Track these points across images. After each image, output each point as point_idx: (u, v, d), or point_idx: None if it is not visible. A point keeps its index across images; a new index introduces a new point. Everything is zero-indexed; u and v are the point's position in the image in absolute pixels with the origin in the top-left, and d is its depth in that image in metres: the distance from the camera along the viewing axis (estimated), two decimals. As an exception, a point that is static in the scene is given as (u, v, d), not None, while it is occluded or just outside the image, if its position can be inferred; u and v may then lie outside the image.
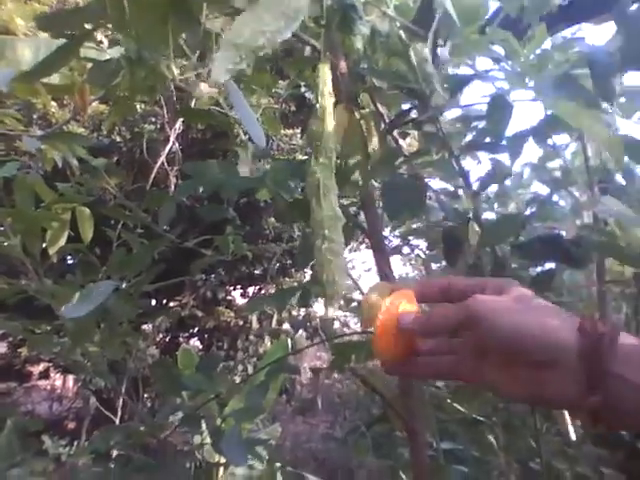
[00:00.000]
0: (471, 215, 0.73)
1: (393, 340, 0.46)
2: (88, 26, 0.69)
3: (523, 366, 0.42)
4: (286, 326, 4.77)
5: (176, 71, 0.67)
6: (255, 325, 4.47)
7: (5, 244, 1.11)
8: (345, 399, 5.10)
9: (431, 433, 0.87)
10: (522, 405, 0.89)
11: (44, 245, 1.18)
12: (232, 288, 4.70)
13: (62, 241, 1.14)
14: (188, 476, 0.90)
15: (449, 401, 1.00)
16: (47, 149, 1.10)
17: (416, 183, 0.67)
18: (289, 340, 1.86)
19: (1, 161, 1.11)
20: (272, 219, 3.94)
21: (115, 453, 1.16)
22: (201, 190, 0.88)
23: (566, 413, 0.84)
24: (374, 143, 0.68)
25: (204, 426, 1.07)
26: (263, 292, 4.72)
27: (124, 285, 1.11)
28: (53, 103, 3.03)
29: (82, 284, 1.17)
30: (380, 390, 0.81)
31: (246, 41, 0.38)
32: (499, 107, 0.69)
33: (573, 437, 0.83)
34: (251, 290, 4.89)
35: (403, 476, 1.01)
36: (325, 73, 0.59)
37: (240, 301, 4.79)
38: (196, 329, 4.55)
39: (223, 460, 2.02)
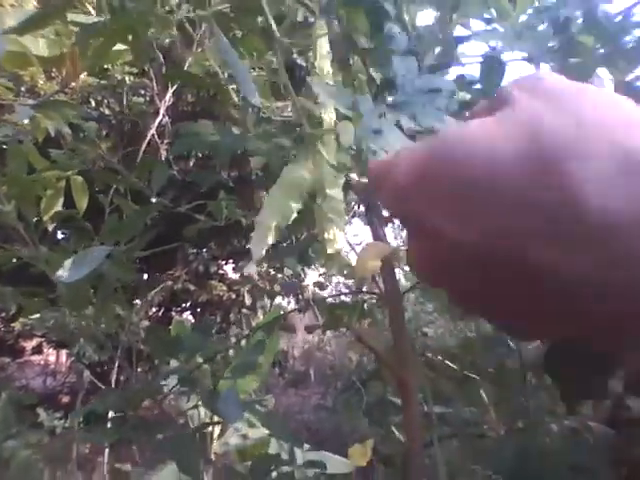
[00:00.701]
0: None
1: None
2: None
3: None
4: (278, 300, 4.80)
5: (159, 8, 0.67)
6: (248, 299, 4.49)
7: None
8: (337, 371, 5.16)
9: (423, 391, 0.89)
10: (512, 362, 0.91)
11: (39, 215, 1.18)
12: (224, 262, 4.71)
13: (56, 208, 1.15)
14: (185, 437, 0.92)
15: (440, 358, 1.02)
16: (40, 117, 1.10)
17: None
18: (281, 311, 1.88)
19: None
20: (264, 193, 3.94)
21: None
22: (194, 159, 0.89)
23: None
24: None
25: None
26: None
27: (117, 251, 1.12)
28: (41, 76, 2.99)
29: (76, 251, 1.18)
30: (373, 347, 0.83)
31: (270, 221, 0.44)
32: (492, 66, 0.70)
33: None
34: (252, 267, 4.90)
35: (396, 432, 1.03)
36: (321, 33, 0.60)
37: (232, 275, 4.81)
38: (188, 303, 4.57)
39: (217, 432, 2.06)
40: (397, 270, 0.96)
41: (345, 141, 0.44)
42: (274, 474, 0.85)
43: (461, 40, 0.77)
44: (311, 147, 0.51)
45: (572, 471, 0.65)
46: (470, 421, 1.01)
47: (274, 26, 0.51)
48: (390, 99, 0.54)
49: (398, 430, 1.04)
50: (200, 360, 0.94)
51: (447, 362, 1.02)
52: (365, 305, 0.91)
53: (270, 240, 0.44)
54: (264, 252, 0.43)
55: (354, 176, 0.52)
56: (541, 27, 0.75)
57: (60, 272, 0.84)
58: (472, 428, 0.90)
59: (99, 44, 0.77)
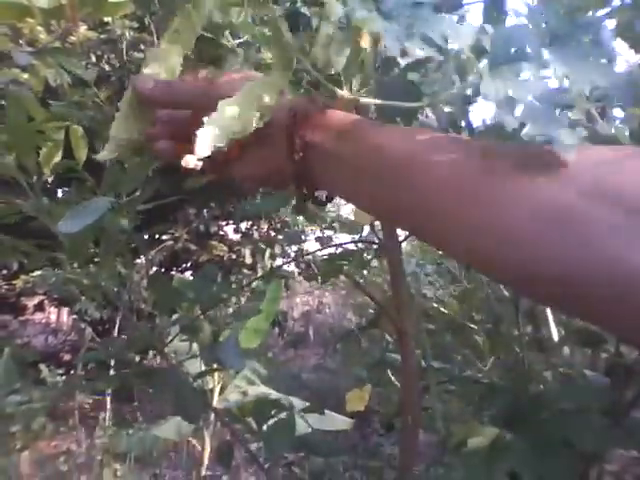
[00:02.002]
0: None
1: None
2: None
3: (252, 146, 0.47)
4: (278, 262, 4.82)
5: None
6: (248, 259, 4.51)
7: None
8: (335, 332, 5.23)
9: (420, 342, 0.91)
10: (507, 310, 0.92)
11: (39, 168, 1.17)
12: (225, 223, 4.72)
13: (56, 159, 1.14)
14: (187, 385, 0.94)
15: (435, 305, 1.04)
16: (39, 65, 1.09)
17: (413, 89, 0.67)
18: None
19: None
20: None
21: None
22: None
23: (549, 316, 0.88)
24: (367, 44, 0.67)
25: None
26: (255, 227, 4.75)
27: (118, 202, 1.12)
28: (40, 28, 2.95)
29: (77, 203, 1.18)
30: (372, 295, 0.84)
31: (227, 123, 0.43)
32: (494, 12, 0.68)
33: (555, 339, 0.87)
34: (243, 225, 4.91)
35: (392, 378, 1.05)
36: None
37: (233, 236, 4.82)
38: (189, 263, 4.59)
39: (217, 390, 2.09)
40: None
41: (332, 14, 0.44)
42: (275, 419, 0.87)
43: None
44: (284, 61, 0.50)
45: (565, 416, 0.67)
46: (465, 368, 1.03)
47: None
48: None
49: (396, 379, 1.06)
50: (202, 309, 0.95)
51: (443, 310, 1.03)
52: (364, 255, 0.91)
53: (218, 142, 0.43)
54: (208, 151, 0.43)
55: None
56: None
57: (61, 224, 0.85)
58: (468, 376, 0.92)
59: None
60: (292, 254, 4.92)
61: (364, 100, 0.46)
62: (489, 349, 0.93)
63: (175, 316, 1.08)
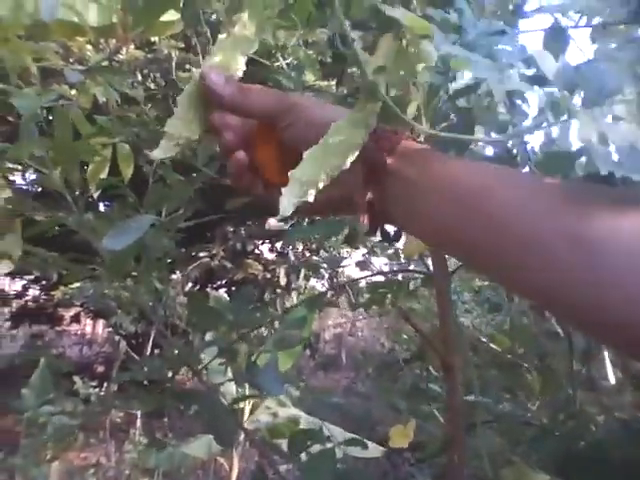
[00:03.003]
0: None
1: None
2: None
3: None
4: (312, 282, 4.80)
5: None
6: (283, 279, 4.51)
7: (43, 175, 1.12)
8: (368, 356, 5.16)
9: (467, 377, 0.87)
10: (559, 348, 0.88)
11: (84, 182, 1.19)
12: (261, 242, 4.74)
13: (103, 175, 1.15)
14: (221, 408, 0.92)
15: (484, 340, 1.00)
16: (89, 83, 1.10)
17: (466, 115, 0.65)
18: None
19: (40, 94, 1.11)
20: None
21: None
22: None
23: (606, 357, 0.83)
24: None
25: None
26: (291, 247, 4.75)
27: (161, 220, 1.12)
28: (89, 47, 3.03)
29: (119, 219, 1.18)
30: (419, 327, 0.81)
31: (310, 178, 0.42)
32: (556, 36, 0.66)
33: (612, 380, 0.82)
34: (279, 245, 4.92)
35: (437, 414, 1.01)
36: None
37: (268, 255, 4.83)
38: (224, 281, 4.61)
39: (248, 409, 2.08)
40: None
41: (428, 58, 0.43)
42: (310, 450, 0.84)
43: (524, 14, 0.73)
44: (371, 97, 0.48)
45: (622, 464, 0.62)
46: (513, 409, 0.98)
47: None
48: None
49: (439, 415, 1.02)
50: (240, 332, 0.94)
51: (492, 345, 0.99)
52: (410, 284, 0.89)
53: (301, 198, 0.42)
54: (291, 210, 0.42)
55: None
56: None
57: (105, 240, 0.84)
58: (516, 416, 0.87)
59: (148, 6, 0.76)
60: (326, 274, 4.90)
61: (438, 133, 0.44)
62: (539, 387, 0.89)
63: (210, 335, 1.07)
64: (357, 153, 0.45)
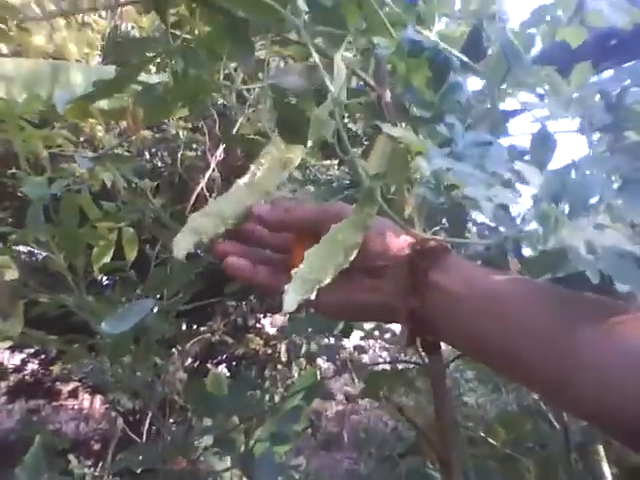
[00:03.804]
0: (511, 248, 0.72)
1: None
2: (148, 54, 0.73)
3: (360, 273, 0.46)
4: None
5: (221, 79, 0.70)
6: (284, 355, 4.46)
7: (48, 258, 1.14)
8: (370, 434, 5.02)
9: (465, 468, 0.85)
10: (557, 443, 0.87)
11: (88, 263, 1.21)
12: (262, 316, 4.71)
13: (107, 259, 1.17)
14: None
15: (482, 435, 0.98)
16: (98, 170, 1.14)
17: (458, 212, 0.67)
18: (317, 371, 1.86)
19: (49, 179, 1.15)
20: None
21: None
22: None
23: (601, 451, 0.82)
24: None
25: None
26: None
27: (161, 303, 1.13)
28: (99, 127, 3.14)
29: (120, 301, 1.20)
30: (414, 421, 0.80)
31: (315, 276, 0.44)
32: (543, 141, 0.69)
33: (608, 476, 0.80)
34: (280, 319, 4.89)
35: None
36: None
37: (269, 330, 4.79)
38: (224, 356, 4.56)
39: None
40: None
41: (424, 175, 0.45)
42: None
43: (512, 114, 0.77)
44: (368, 202, 0.50)
45: None
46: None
47: (330, 86, 0.52)
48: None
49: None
50: (236, 420, 0.93)
51: (489, 439, 0.97)
52: (407, 374, 0.88)
53: (305, 295, 0.43)
54: (295, 307, 0.43)
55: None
56: (594, 99, 0.74)
57: (105, 324, 0.85)
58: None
59: (159, 105, 0.80)
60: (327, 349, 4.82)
61: (431, 237, 0.46)
62: (536, 478, 0.87)
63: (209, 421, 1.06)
64: (355, 253, 0.47)
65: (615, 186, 0.43)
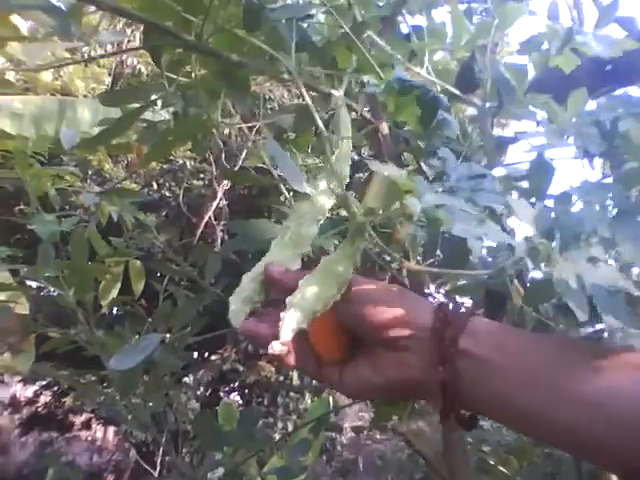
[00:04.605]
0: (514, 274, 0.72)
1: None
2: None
3: (381, 348, 0.43)
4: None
5: (219, 119, 0.71)
6: (296, 381, 4.43)
7: (58, 293, 1.15)
8: (387, 461, 4.95)
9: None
10: (569, 471, 0.85)
11: (96, 297, 1.22)
12: (274, 343, 4.69)
13: (114, 293, 1.18)
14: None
15: (492, 463, 0.97)
16: (104, 205, 1.16)
17: (457, 242, 0.67)
18: (330, 398, 1.85)
19: (58, 216, 1.16)
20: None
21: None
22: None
23: (613, 479, 0.80)
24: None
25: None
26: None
27: (169, 337, 1.14)
28: (107, 159, 3.18)
29: (129, 335, 1.20)
30: (423, 451, 0.80)
31: (309, 305, 0.44)
32: (541, 168, 0.70)
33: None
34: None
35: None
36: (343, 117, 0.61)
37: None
38: (236, 383, 4.54)
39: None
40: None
41: (414, 213, 0.46)
42: None
43: (507, 142, 0.78)
44: (354, 237, 0.51)
45: None
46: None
47: (324, 131, 0.53)
48: (440, 189, 0.54)
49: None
50: (246, 453, 0.93)
51: (501, 469, 0.96)
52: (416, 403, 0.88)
53: (300, 325, 0.44)
54: (291, 337, 0.44)
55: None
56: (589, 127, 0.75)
57: (113, 361, 0.86)
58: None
59: (162, 143, 0.81)
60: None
61: (424, 269, 0.47)
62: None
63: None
64: (344, 288, 0.48)
65: (609, 216, 0.43)
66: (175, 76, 0.68)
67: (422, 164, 0.88)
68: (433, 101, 0.56)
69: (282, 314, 0.44)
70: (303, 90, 0.49)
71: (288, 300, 0.44)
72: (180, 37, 0.58)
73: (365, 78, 0.59)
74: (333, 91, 0.61)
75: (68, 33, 0.53)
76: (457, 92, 0.70)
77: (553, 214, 0.45)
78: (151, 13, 0.56)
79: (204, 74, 0.67)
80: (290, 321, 0.43)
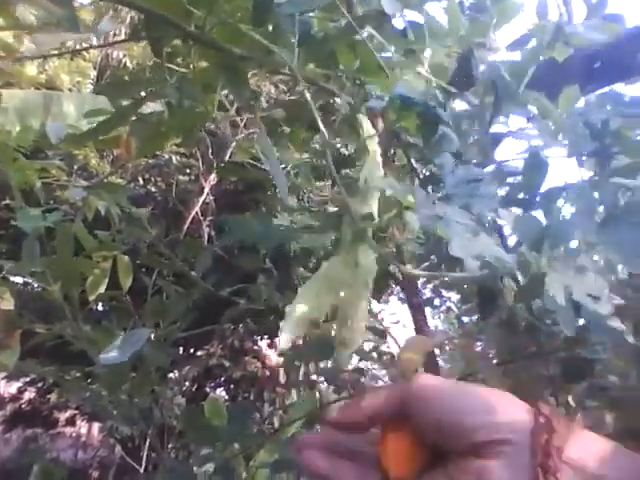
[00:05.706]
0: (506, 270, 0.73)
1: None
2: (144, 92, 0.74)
3: (462, 453, 0.36)
4: (313, 377, 4.69)
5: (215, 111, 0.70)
6: (282, 377, 4.42)
7: (44, 289, 1.14)
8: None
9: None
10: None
11: (83, 292, 1.21)
12: (259, 338, 4.69)
13: (102, 288, 1.17)
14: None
15: None
16: (92, 199, 1.14)
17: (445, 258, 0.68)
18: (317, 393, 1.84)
19: (43, 210, 1.15)
20: (301, 269, 3.96)
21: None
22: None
23: None
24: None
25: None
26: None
27: (157, 332, 1.13)
28: (93, 154, 3.15)
29: (117, 330, 1.19)
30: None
31: (307, 314, 0.44)
32: (535, 164, 0.70)
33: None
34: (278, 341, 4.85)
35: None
36: (364, 122, 0.60)
37: (267, 351, 4.76)
38: (222, 379, 4.53)
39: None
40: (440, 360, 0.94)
41: (413, 229, 0.45)
42: None
43: (500, 138, 0.78)
44: (354, 243, 0.51)
45: None
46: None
47: (322, 128, 0.52)
48: (438, 195, 0.54)
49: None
50: (236, 448, 0.92)
51: None
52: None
53: (299, 332, 0.44)
54: (290, 344, 0.44)
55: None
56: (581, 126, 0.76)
57: (102, 356, 0.85)
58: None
59: (154, 136, 0.80)
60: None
61: (422, 273, 0.47)
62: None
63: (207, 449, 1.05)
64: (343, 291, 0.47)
65: (597, 219, 0.43)
66: (172, 67, 0.67)
67: (413, 161, 0.88)
68: (434, 118, 0.57)
69: (281, 323, 0.43)
70: (303, 83, 0.48)
71: (287, 309, 0.44)
72: (183, 28, 0.57)
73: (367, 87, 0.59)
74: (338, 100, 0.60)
75: (74, 24, 0.52)
76: (453, 90, 0.70)
77: (544, 220, 0.46)
78: (154, 4, 0.56)
79: (204, 67, 0.66)
80: (288, 331, 0.43)
